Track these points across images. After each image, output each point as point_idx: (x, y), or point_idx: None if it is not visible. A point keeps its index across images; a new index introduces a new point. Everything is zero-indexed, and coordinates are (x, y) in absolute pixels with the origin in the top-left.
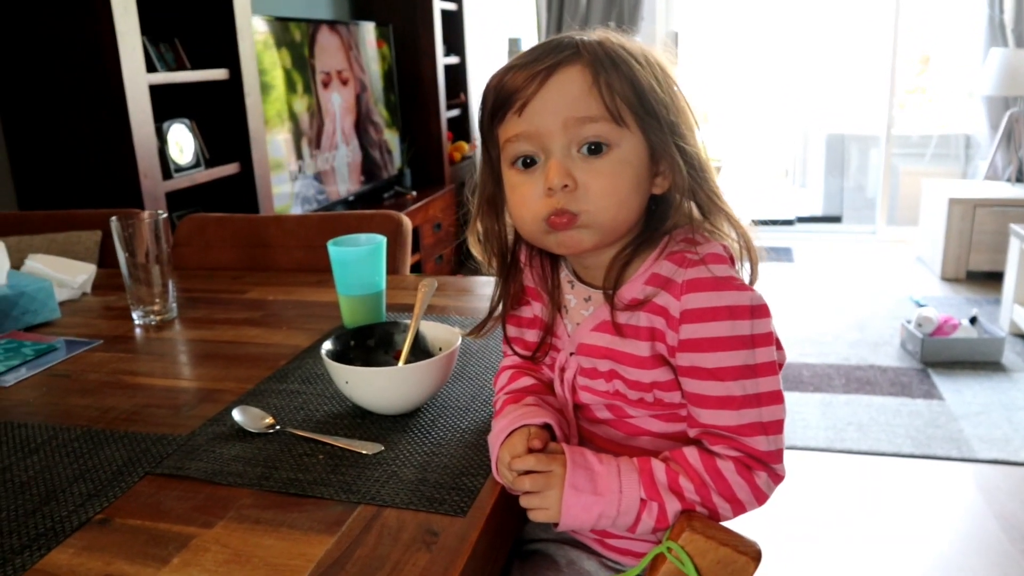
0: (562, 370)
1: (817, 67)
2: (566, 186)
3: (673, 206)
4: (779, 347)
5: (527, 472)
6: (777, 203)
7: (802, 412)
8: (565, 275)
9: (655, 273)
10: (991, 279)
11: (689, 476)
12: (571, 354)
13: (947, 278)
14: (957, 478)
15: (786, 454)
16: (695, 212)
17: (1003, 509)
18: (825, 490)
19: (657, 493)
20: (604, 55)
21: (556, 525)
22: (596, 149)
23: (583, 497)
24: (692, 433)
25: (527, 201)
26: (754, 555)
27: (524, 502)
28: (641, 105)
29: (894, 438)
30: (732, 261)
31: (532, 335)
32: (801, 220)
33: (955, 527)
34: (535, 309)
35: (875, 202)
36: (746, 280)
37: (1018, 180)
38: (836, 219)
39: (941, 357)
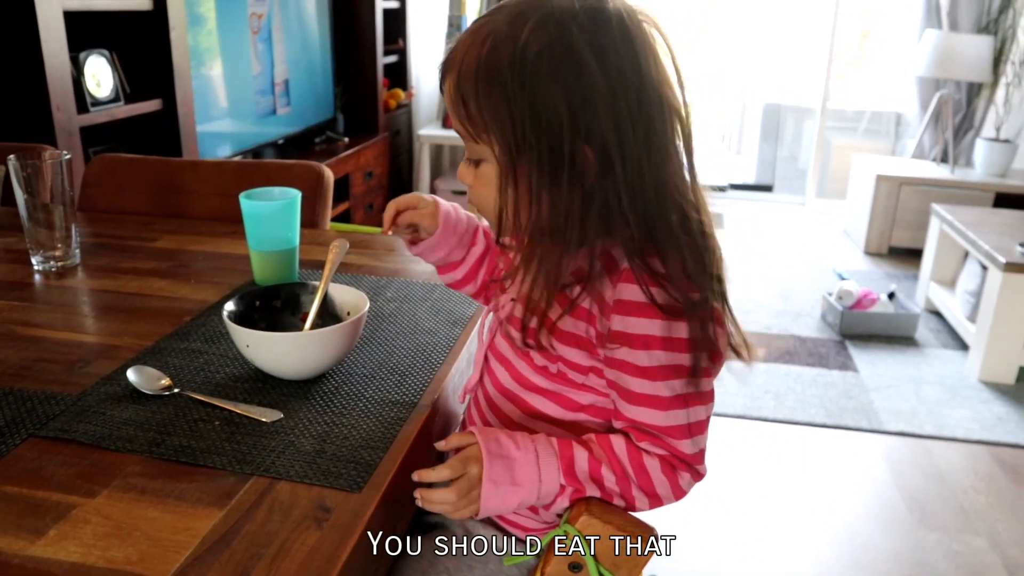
0: (497, 309)
1: (759, 36)
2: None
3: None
4: (717, 359)
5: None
6: (712, 169)
7: (721, 378)
8: None
9: (607, 250)
10: (911, 256)
11: (612, 467)
12: (512, 299)
13: (870, 252)
14: (865, 449)
15: None
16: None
17: (905, 480)
18: (739, 456)
19: (577, 480)
20: (467, 70)
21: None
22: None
23: (502, 489)
24: (618, 425)
25: None
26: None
27: (446, 510)
28: (499, 126)
29: (808, 407)
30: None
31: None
32: (734, 187)
33: (859, 496)
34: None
35: (806, 173)
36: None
37: (943, 161)
38: (768, 188)
39: (859, 330)
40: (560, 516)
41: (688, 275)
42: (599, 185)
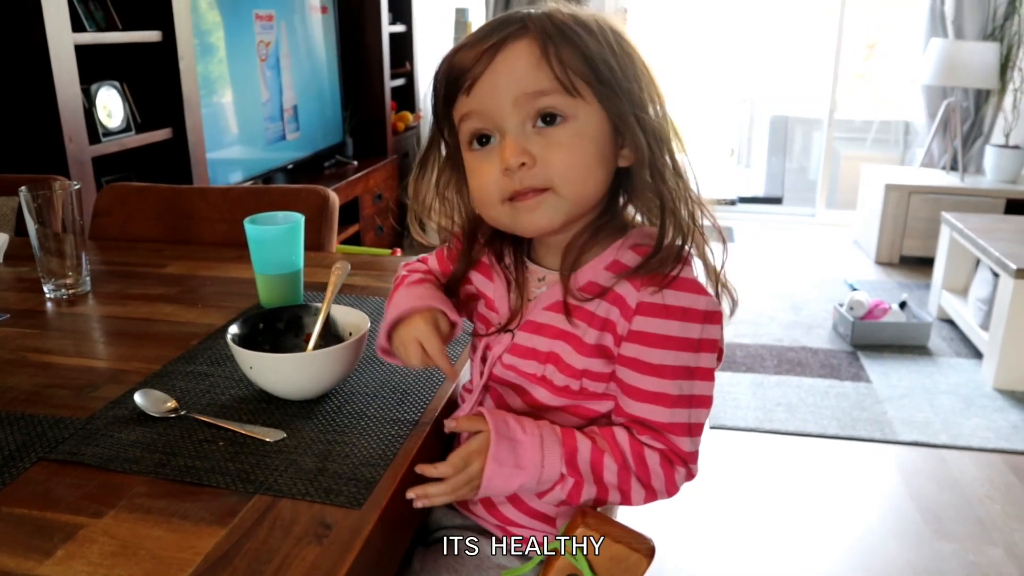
0: (488, 347)
1: (765, 48)
2: (524, 164)
3: (638, 186)
4: (720, 356)
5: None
6: (721, 182)
7: (733, 392)
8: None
9: (617, 260)
10: (923, 264)
11: (614, 456)
12: (510, 330)
13: (881, 262)
14: (879, 460)
15: (716, 433)
16: (663, 194)
17: (920, 490)
18: (752, 469)
19: (577, 471)
20: (553, 27)
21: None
22: (551, 120)
23: (505, 470)
24: (618, 421)
25: (486, 184)
26: (647, 552)
27: (449, 496)
28: (595, 75)
29: (821, 419)
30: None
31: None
32: (743, 200)
33: (874, 507)
34: (478, 283)
35: (816, 185)
36: (717, 265)
37: (952, 169)
38: (777, 200)
39: (871, 340)
40: (555, 519)
41: (708, 274)
42: (636, 169)
